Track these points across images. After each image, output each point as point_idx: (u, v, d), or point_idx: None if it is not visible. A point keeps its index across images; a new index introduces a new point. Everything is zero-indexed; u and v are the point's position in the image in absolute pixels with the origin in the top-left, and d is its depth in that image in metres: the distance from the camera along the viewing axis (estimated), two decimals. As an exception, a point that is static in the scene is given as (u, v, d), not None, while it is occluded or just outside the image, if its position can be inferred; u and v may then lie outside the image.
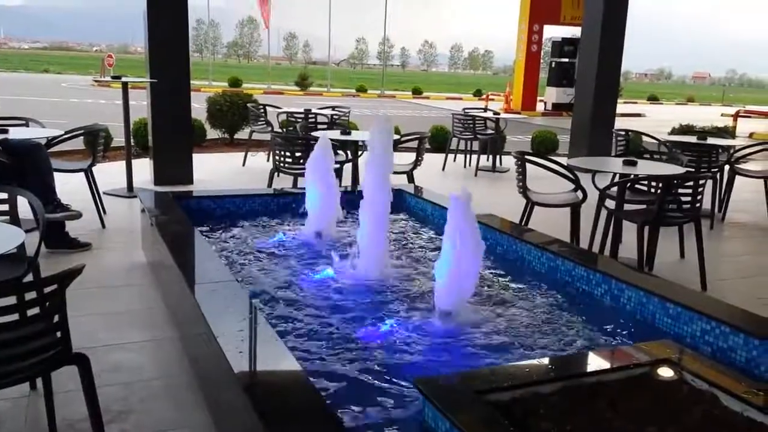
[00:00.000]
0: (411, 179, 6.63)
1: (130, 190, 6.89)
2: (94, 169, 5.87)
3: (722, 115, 23.65)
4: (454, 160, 10.45)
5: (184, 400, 3.00)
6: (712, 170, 6.93)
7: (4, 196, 3.39)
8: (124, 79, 7.06)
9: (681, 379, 2.45)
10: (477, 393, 2.21)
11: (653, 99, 43.56)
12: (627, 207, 5.17)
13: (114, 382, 3.07)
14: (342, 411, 2.45)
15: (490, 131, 10.35)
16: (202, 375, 3.10)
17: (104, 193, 6.34)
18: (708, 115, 21.23)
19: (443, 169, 9.85)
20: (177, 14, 7.30)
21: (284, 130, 9.84)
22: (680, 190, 4.85)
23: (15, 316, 2.19)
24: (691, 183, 4.83)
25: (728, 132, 11.37)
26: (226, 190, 5.93)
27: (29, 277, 3.04)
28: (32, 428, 2.75)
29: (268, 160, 8.84)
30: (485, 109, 12.00)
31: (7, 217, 3.34)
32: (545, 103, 25.62)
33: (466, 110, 10.58)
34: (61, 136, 5.68)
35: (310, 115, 9.05)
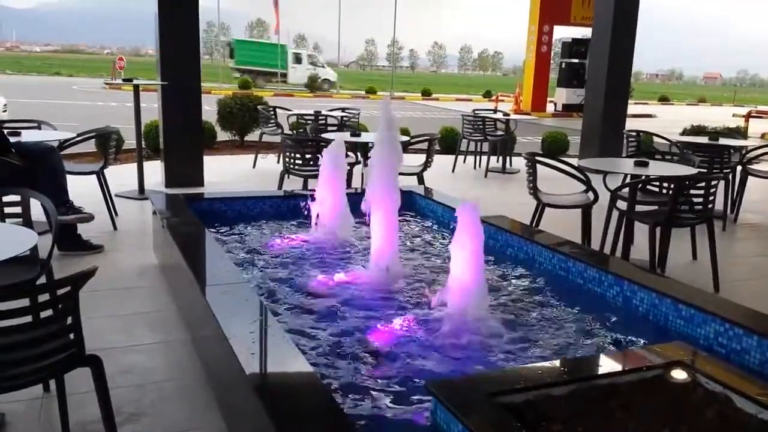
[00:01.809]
0: (421, 181, 6.63)
1: (142, 192, 6.92)
2: (105, 171, 5.90)
3: (734, 115, 23.48)
4: (464, 162, 10.43)
5: (196, 401, 3.01)
6: (724, 171, 6.88)
7: (17, 198, 3.42)
8: (135, 82, 7.10)
9: (694, 381, 2.43)
10: (489, 395, 2.21)
11: (664, 99, 43.34)
12: (638, 208, 5.15)
13: (126, 384, 3.09)
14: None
15: (500, 132, 10.33)
16: (213, 377, 3.11)
17: (116, 195, 6.37)
18: (719, 116, 21.09)
19: (453, 170, 9.84)
20: (188, 17, 7.33)
21: (294, 132, 9.85)
22: (692, 191, 4.82)
23: (28, 318, 2.21)
24: (703, 184, 4.80)
25: (740, 132, 11.29)
26: (237, 192, 5.95)
27: (42, 279, 3.06)
28: (45, 430, 2.77)
29: (278, 162, 8.87)
30: (495, 111, 11.98)
31: (20, 220, 3.37)
32: (555, 104, 25.55)
33: (476, 111, 10.57)
34: (74, 138, 5.72)
35: (320, 117, 9.07)
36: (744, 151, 7.40)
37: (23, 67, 49.81)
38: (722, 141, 7.28)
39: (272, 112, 9.74)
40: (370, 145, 6.51)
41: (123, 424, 2.72)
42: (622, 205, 5.17)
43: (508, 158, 10.13)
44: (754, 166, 7.31)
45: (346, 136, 6.62)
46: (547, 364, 2.69)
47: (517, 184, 8.50)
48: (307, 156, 6.36)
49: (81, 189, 5.56)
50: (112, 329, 3.70)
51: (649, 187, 5.52)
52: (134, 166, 7.16)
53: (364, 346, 3.16)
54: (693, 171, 5.20)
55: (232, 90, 24.30)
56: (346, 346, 3.14)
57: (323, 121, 9.05)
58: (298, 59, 38.39)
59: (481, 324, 3.32)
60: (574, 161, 5.81)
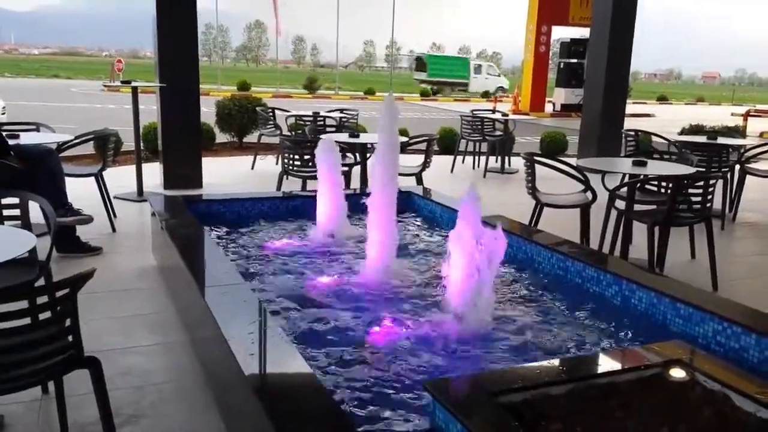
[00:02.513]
0: (420, 181, 6.63)
1: (140, 194, 6.92)
2: (104, 173, 5.90)
3: (732, 114, 23.45)
4: (463, 162, 10.44)
5: (195, 403, 3.01)
6: (723, 170, 6.89)
7: (15, 201, 3.42)
8: (133, 84, 7.10)
9: (693, 379, 2.43)
10: (488, 395, 2.21)
11: (663, 99, 43.38)
12: (637, 207, 5.15)
13: (125, 386, 3.09)
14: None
15: (498, 133, 10.33)
16: (212, 378, 3.11)
17: (114, 197, 6.37)
18: (718, 115, 21.09)
19: (452, 171, 9.84)
20: (186, 18, 7.33)
21: (293, 133, 9.85)
22: (691, 190, 4.83)
23: (27, 320, 2.21)
24: (701, 183, 4.81)
25: (738, 131, 11.30)
26: (236, 194, 5.95)
27: (41, 281, 3.06)
28: None
29: (277, 164, 8.87)
30: (494, 111, 11.99)
31: (19, 222, 3.37)
32: (554, 104, 25.56)
33: (475, 112, 10.58)
34: (72, 140, 5.72)
35: (318, 118, 9.07)
36: (742, 150, 7.41)
37: (21, 69, 49.77)
38: (721, 140, 7.29)
39: (271, 114, 9.74)
40: (369, 146, 6.54)
41: (122, 425, 2.72)
42: (620, 204, 5.18)
43: (506, 158, 10.14)
44: (753, 165, 7.32)
45: (345, 137, 6.63)
46: (545, 363, 2.69)
47: (516, 184, 8.50)
48: (306, 157, 6.36)
49: (79, 191, 5.57)
50: (110, 331, 3.70)
51: (647, 186, 5.52)
52: (133, 168, 7.17)
53: (363, 345, 3.16)
54: (691, 170, 5.21)
55: (231, 92, 24.31)
56: (345, 346, 3.14)
57: (322, 122, 9.06)
58: (477, 70, 42.75)
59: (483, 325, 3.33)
60: (573, 161, 5.81)
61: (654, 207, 5.20)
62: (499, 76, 44.15)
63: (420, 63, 43.68)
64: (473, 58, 45.04)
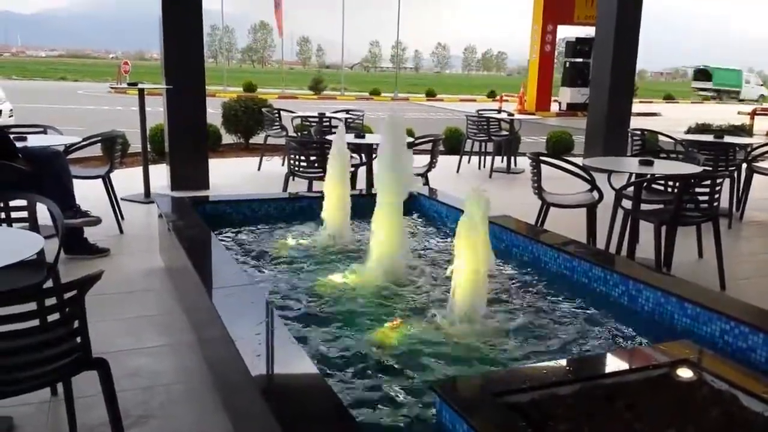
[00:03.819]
0: (426, 181, 6.63)
1: (148, 196, 6.94)
2: (111, 175, 5.92)
3: (739, 113, 23.40)
4: (468, 162, 10.43)
5: (202, 404, 3.02)
6: (730, 169, 6.87)
7: (23, 203, 3.43)
8: (140, 86, 7.12)
9: (700, 379, 2.43)
10: (494, 395, 2.21)
11: (669, 98, 43.22)
12: (644, 207, 5.14)
13: (133, 387, 3.10)
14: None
15: (504, 132, 10.32)
16: (220, 379, 3.12)
17: (122, 199, 6.39)
18: (724, 114, 21.01)
19: (458, 171, 9.83)
20: (192, 21, 7.35)
21: (299, 134, 9.86)
22: (697, 190, 4.81)
23: (35, 322, 2.22)
24: (708, 182, 4.79)
25: (745, 130, 11.27)
26: (242, 195, 5.96)
27: (49, 283, 3.08)
28: (53, 433, 2.78)
29: (283, 165, 8.87)
30: (499, 111, 11.97)
31: (27, 224, 3.38)
32: (560, 103, 25.51)
33: (480, 112, 10.56)
34: (79, 143, 5.74)
35: (324, 119, 9.07)
36: (749, 149, 7.38)
37: (28, 72, 49.95)
38: (727, 139, 7.26)
39: (277, 115, 9.76)
40: (375, 147, 6.54)
41: (131, 427, 2.73)
42: (627, 204, 5.17)
43: (512, 158, 10.13)
44: (760, 164, 7.29)
45: (350, 137, 6.62)
46: (552, 363, 2.69)
47: (522, 184, 8.48)
48: (312, 158, 6.36)
49: (87, 193, 5.58)
50: (118, 332, 3.72)
51: (654, 185, 5.51)
52: (140, 169, 7.19)
53: (366, 345, 3.17)
54: (698, 169, 5.19)
55: (237, 93, 24.34)
56: (347, 345, 3.15)
57: (327, 123, 9.07)
58: (746, 81, 50.05)
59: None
60: (579, 160, 5.80)
61: (661, 206, 5.19)
62: (762, 85, 51.50)
63: (704, 74, 49.63)
64: (747, 71, 52.51)
